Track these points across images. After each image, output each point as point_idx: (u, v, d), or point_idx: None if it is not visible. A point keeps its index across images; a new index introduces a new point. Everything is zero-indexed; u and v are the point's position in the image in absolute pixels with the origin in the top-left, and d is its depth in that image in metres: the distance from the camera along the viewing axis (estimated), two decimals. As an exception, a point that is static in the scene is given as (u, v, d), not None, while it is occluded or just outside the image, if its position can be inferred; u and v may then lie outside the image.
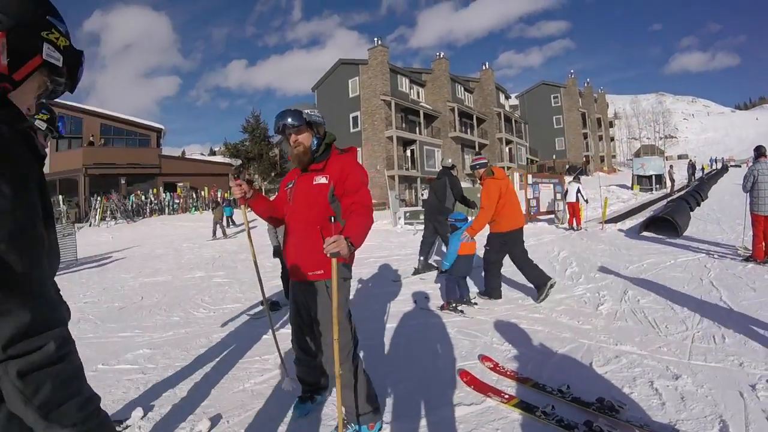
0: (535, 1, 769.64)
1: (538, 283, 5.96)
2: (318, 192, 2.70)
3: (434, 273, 8.15)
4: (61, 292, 1.57)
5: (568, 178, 18.07)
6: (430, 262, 8.74)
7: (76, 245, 12.82)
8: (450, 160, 9.57)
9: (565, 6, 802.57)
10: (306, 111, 2.72)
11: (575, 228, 13.89)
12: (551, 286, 5.92)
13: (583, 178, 21.31)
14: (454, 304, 5.72)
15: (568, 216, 14.68)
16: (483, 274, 6.35)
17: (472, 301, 5.95)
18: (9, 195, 1.07)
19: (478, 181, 6.57)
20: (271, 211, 3.00)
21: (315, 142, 2.77)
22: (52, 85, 1.36)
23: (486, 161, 6.61)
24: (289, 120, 2.67)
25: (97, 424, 1.27)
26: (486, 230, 6.15)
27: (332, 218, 2.50)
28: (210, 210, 22.12)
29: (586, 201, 14.71)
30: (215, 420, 3.03)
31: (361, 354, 4.24)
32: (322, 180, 2.71)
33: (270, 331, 3.35)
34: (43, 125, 2.46)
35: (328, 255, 2.27)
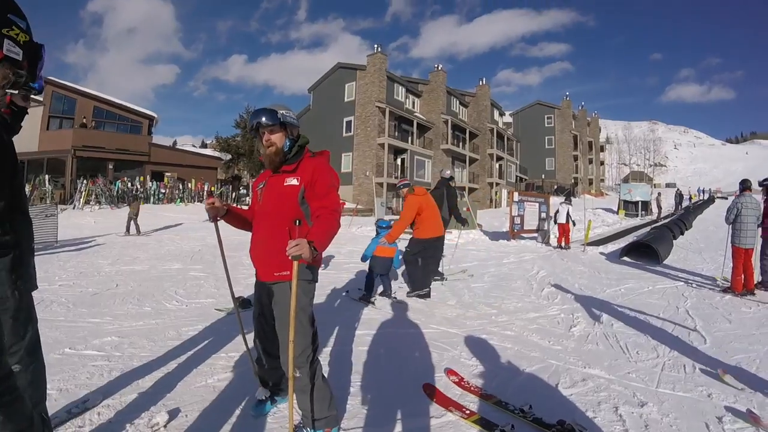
0: (538, 22, 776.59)
1: (417, 286, 7.02)
2: (288, 193, 2.69)
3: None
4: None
5: (555, 199, 18.19)
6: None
7: (57, 227, 12.66)
8: (449, 172, 9.67)
9: (568, 29, 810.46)
10: (281, 111, 2.71)
11: (563, 247, 14.32)
12: (424, 295, 6.90)
13: (573, 199, 21.48)
14: (368, 297, 6.63)
15: (556, 235, 15.14)
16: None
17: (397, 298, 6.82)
18: None
19: (402, 199, 7.57)
20: (245, 223, 3.01)
21: (288, 144, 2.77)
22: (15, 77, 1.48)
23: (409, 183, 7.45)
24: (263, 119, 2.67)
25: (12, 399, 1.32)
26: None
27: (298, 221, 2.51)
28: (198, 201, 21.88)
29: (574, 223, 15.11)
30: (174, 413, 3.00)
31: (327, 359, 4.24)
32: (293, 181, 2.70)
33: (241, 333, 3.31)
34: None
35: (290, 257, 2.28)
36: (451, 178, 9.30)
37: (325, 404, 2.73)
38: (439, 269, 8.48)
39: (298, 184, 2.69)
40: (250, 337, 3.16)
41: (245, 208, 3.16)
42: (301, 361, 2.62)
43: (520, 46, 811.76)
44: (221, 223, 2.92)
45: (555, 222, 15.35)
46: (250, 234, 2.94)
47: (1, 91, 1.47)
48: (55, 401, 3.11)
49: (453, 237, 11.21)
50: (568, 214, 14.83)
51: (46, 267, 8.50)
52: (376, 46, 37.59)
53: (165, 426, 2.85)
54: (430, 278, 7.36)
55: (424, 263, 7.10)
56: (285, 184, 2.71)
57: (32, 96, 2.51)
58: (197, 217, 21.91)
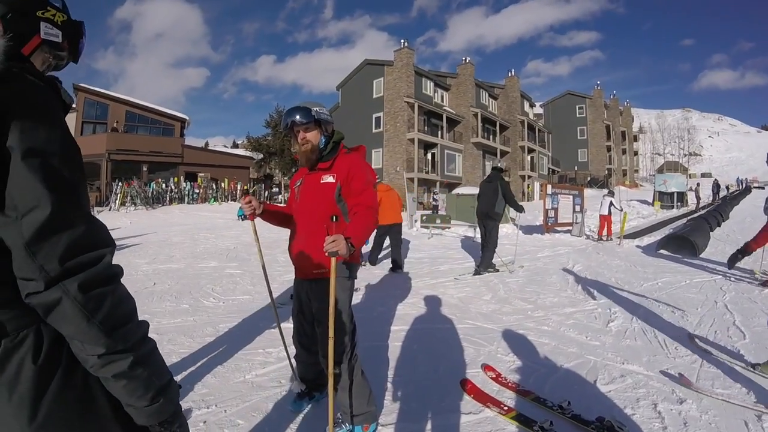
0: (567, 11, 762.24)
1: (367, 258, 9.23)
2: (325, 191, 2.70)
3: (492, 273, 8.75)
4: None
5: (589, 191, 18.00)
6: (492, 261, 8.99)
7: (94, 228, 12.95)
8: (502, 163, 9.74)
9: (597, 17, 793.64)
10: (315, 108, 2.71)
11: (605, 238, 14.61)
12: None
13: (604, 191, 21.23)
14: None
15: (597, 227, 15.51)
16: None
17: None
18: (62, 125, 1.15)
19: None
20: (283, 220, 3.03)
21: (323, 141, 2.76)
22: (55, 60, 1.40)
23: (379, 180, 7.90)
24: (298, 117, 2.66)
25: (150, 349, 1.29)
26: None
27: (335, 217, 2.51)
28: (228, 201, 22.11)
29: (620, 209, 15.28)
30: (186, 414, 3.01)
31: (364, 355, 4.26)
32: (329, 179, 2.71)
33: (278, 328, 3.34)
34: None
35: (327, 254, 2.29)
36: (504, 169, 9.37)
37: (363, 400, 2.75)
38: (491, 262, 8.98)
39: (334, 181, 2.69)
40: (288, 332, 3.19)
41: (281, 205, 3.19)
42: (341, 357, 2.64)
43: (548, 35, 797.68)
44: (258, 221, 2.94)
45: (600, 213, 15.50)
46: (285, 231, 2.97)
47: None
48: None
49: (509, 230, 11.44)
50: (611, 205, 15.06)
51: (85, 268, 8.67)
52: (402, 41, 37.48)
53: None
54: (375, 254, 9.76)
55: (375, 243, 9.65)
56: (321, 181, 2.72)
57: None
58: (231, 216, 22.17)
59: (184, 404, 3.15)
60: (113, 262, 1.20)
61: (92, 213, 1.20)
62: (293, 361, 3.23)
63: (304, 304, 2.88)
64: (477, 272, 8.67)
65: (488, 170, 34.63)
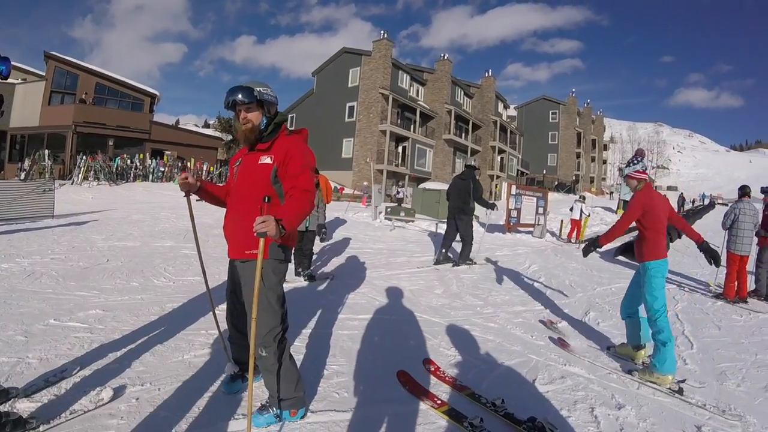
0: (552, 18, 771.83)
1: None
2: (261, 172, 2.68)
3: (448, 265, 9.02)
4: None
5: (554, 195, 18.39)
6: (449, 255, 9.30)
7: (54, 202, 12.62)
8: (475, 161, 9.95)
9: (581, 27, 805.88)
10: (258, 89, 2.69)
11: (574, 241, 15.36)
12: None
13: (570, 196, 21.69)
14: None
15: (569, 230, 16.37)
16: None
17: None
18: None
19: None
20: (217, 200, 3.03)
21: (264, 121, 2.75)
22: None
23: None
24: (239, 96, 2.64)
25: None
26: None
27: (267, 198, 2.49)
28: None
29: (588, 215, 16.53)
30: (119, 390, 3.01)
31: (306, 341, 4.27)
32: (266, 160, 2.69)
33: (212, 311, 3.37)
34: None
35: (256, 234, 2.28)
36: (477, 167, 9.59)
37: (291, 385, 2.75)
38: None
39: (271, 162, 2.67)
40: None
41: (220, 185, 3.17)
42: (268, 340, 2.63)
43: (531, 40, 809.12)
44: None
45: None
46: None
47: None
48: (34, 369, 3.22)
49: (477, 227, 11.66)
50: (581, 211, 15.86)
51: (41, 241, 8.48)
52: (382, 32, 37.20)
53: (110, 401, 2.87)
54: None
55: None
56: (259, 162, 2.70)
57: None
58: (193, 196, 21.79)
59: (119, 381, 3.13)
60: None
61: None
62: (227, 342, 3.22)
63: (236, 285, 2.87)
64: (456, 264, 9.03)
65: (458, 167, 35.00)
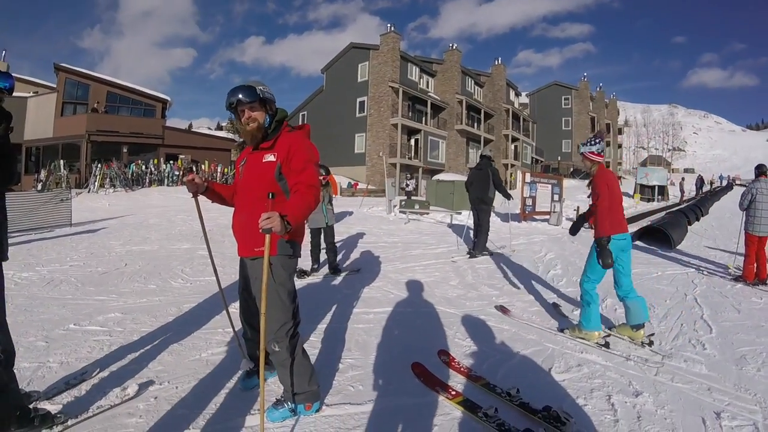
0: (561, 2, 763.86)
1: None
2: (266, 169, 2.70)
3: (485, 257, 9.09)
4: None
5: (571, 181, 18.27)
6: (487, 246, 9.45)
7: (71, 210, 12.81)
8: (490, 151, 10.05)
9: (591, 10, 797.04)
10: (259, 87, 2.70)
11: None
12: None
13: (586, 181, 21.53)
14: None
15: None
16: None
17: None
18: None
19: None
20: (224, 199, 3.04)
21: (267, 120, 2.76)
22: None
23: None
24: (242, 96, 2.66)
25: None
26: None
27: (272, 194, 2.50)
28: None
29: None
30: (145, 385, 3.10)
31: (321, 336, 4.30)
32: (270, 158, 2.71)
33: (225, 309, 3.41)
34: None
35: (261, 230, 2.29)
36: (492, 158, 9.72)
37: (305, 379, 2.77)
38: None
39: (274, 160, 2.69)
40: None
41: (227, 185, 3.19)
42: (280, 335, 2.66)
43: (541, 26, 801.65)
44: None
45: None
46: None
47: None
48: (55, 373, 3.31)
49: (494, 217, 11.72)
50: None
51: (59, 249, 8.62)
52: (389, 25, 37.09)
53: (135, 396, 2.95)
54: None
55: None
56: (263, 160, 2.72)
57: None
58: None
59: (140, 379, 3.18)
60: None
61: None
62: (241, 340, 3.26)
63: (247, 282, 2.90)
64: (472, 255, 9.03)
65: (472, 157, 34.76)
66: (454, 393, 3.16)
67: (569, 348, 4.19)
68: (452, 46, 42.86)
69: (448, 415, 2.93)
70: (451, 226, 14.53)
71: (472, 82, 46.62)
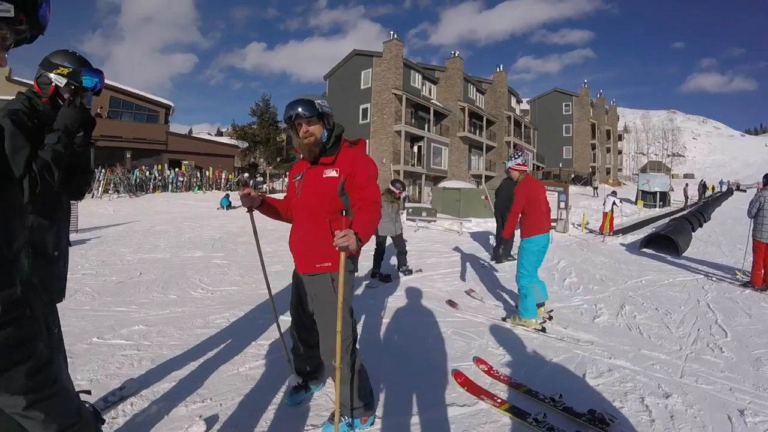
0: (560, 9, 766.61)
1: None
2: (328, 185, 2.67)
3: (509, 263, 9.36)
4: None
5: (573, 188, 18.46)
6: (499, 251, 9.91)
7: (77, 216, 12.78)
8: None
9: (591, 16, 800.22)
10: (318, 101, 2.68)
11: (606, 233, 15.42)
12: None
13: (587, 188, 21.70)
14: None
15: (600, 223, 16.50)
16: None
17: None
18: None
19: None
20: (279, 214, 3.00)
21: (325, 134, 2.73)
22: (15, 35, 1.28)
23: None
24: (301, 110, 2.62)
25: (51, 393, 1.24)
26: None
27: (344, 212, 2.50)
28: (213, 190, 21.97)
29: (620, 206, 17.25)
30: (211, 420, 2.87)
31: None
32: (332, 173, 2.67)
33: (276, 321, 3.27)
34: (62, 80, 2.32)
35: (338, 248, 2.28)
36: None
37: (363, 393, 2.77)
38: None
39: (337, 176, 2.66)
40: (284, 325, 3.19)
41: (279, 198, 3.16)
42: (342, 350, 2.64)
43: (541, 33, 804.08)
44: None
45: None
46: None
47: (1, 53, 1.28)
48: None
49: None
50: (613, 203, 16.22)
51: (69, 256, 8.58)
52: (392, 32, 37.15)
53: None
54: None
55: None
56: (324, 176, 2.69)
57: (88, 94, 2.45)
58: (215, 205, 22.00)
59: (182, 398, 3.11)
60: None
61: None
62: (290, 354, 3.22)
63: (303, 298, 2.87)
64: (498, 260, 9.49)
65: (474, 164, 34.80)
66: (500, 401, 3.19)
67: (597, 354, 4.29)
68: (454, 54, 42.96)
69: (498, 422, 2.96)
70: (460, 233, 14.59)
71: (474, 89, 46.74)
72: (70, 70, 2.33)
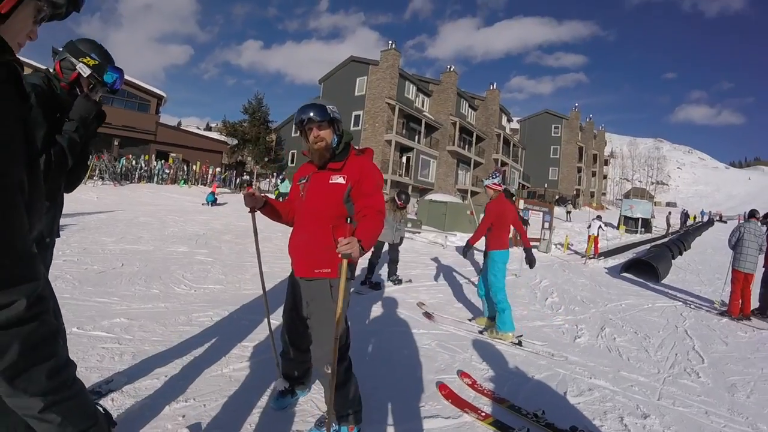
0: (557, 32, 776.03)
1: None
2: (334, 191, 2.66)
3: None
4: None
5: (557, 209, 18.57)
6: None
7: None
8: (512, 188, 10.53)
9: (586, 41, 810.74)
10: (330, 107, 2.68)
11: (592, 256, 15.59)
12: None
13: (574, 212, 21.92)
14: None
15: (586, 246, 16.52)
16: None
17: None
18: None
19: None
20: (281, 217, 2.98)
21: (335, 140, 2.73)
22: (51, 8, 1.21)
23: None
24: (313, 114, 2.61)
25: (70, 395, 1.20)
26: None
27: (349, 219, 2.51)
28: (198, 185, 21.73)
29: (605, 230, 17.40)
30: (194, 424, 2.79)
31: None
32: (339, 180, 2.66)
33: (268, 323, 3.27)
34: (86, 71, 2.31)
35: (341, 255, 2.27)
36: (513, 194, 10.24)
37: (352, 401, 2.76)
38: None
39: (344, 182, 2.65)
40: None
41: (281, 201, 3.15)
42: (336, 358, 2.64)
43: (536, 54, 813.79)
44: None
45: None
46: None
47: (34, 26, 1.19)
48: None
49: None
50: (599, 227, 16.36)
51: (50, 241, 8.46)
52: (390, 42, 37.35)
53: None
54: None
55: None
56: (331, 181, 2.67)
57: (103, 92, 2.42)
58: (200, 200, 21.81)
59: (164, 399, 3.06)
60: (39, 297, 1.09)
61: (20, 241, 1.04)
62: (278, 357, 3.20)
63: (298, 302, 2.84)
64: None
65: (461, 179, 34.96)
66: (484, 414, 3.24)
67: (578, 373, 4.41)
68: (449, 68, 43.20)
69: (481, 436, 2.98)
70: (445, 247, 14.63)
71: (467, 104, 47.10)
72: (97, 63, 2.35)
